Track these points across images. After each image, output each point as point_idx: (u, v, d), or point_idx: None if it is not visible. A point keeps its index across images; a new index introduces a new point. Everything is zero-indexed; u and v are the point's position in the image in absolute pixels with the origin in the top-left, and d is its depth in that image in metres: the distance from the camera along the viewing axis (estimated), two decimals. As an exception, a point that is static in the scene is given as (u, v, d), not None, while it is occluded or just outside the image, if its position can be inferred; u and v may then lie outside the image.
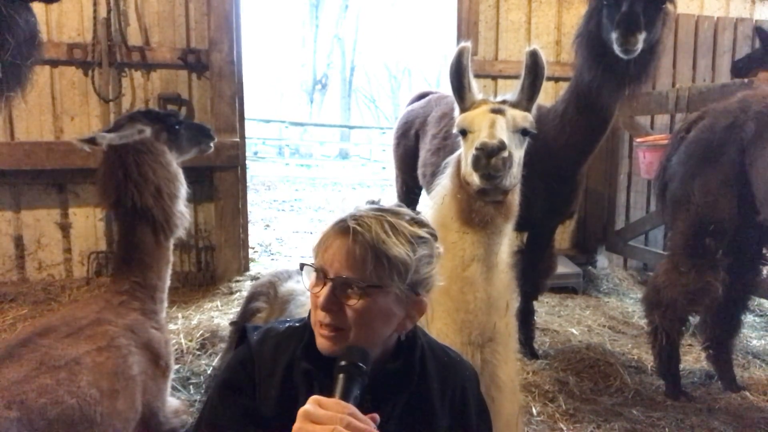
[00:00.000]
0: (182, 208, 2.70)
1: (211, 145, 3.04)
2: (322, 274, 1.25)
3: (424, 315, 1.42)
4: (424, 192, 4.79)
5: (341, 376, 1.15)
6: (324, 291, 1.23)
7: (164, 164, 2.66)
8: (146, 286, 2.54)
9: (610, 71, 3.09)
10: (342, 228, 1.25)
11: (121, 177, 2.51)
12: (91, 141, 2.75)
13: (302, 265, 1.31)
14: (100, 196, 2.63)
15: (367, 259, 1.22)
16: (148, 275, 2.56)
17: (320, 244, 1.28)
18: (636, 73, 3.09)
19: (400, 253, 1.23)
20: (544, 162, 3.35)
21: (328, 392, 1.15)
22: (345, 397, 1.11)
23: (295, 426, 1.05)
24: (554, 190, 3.56)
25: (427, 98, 4.93)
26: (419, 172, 4.56)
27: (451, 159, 2.05)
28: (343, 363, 1.16)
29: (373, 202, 1.34)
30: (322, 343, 1.25)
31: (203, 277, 5.45)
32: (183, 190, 2.72)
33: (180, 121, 2.83)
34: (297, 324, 1.41)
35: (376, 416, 1.11)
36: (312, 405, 1.06)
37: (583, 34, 3.23)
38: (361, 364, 1.16)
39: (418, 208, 4.99)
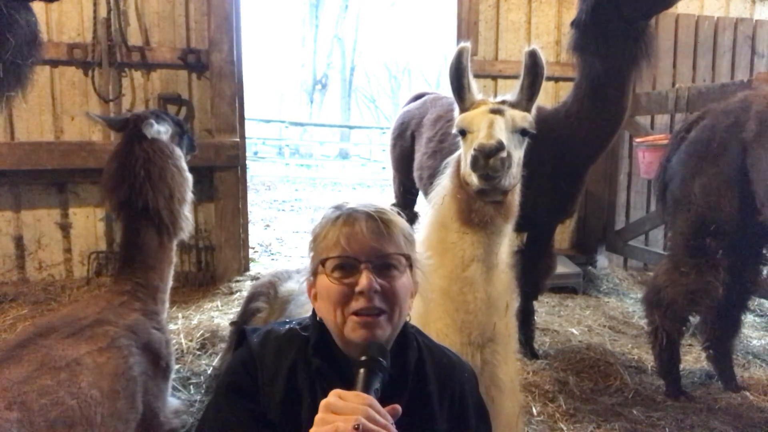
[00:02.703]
0: (187, 213, 2.73)
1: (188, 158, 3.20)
2: (352, 262, 1.25)
3: (424, 316, 1.42)
4: (421, 194, 4.77)
5: (362, 370, 1.16)
6: (365, 276, 1.23)
7: (180, 169, 2.72)
8: (148, 286, 2.55)
9: (632, 41, 3.10)
10: (357, 215, 1.28)
11: (142, 176, 2.52)
12: (110, 122, 2.79)
13: (324, 260, 1.28)
14: (109, 192, 2.61)
15: (399, 234, 1.30)
16: (150, 276, 2.56)
17: (331, 239, 1.28)
18: (650, 39, 3.15)
19: (410, 229, 1.36)
20: (555, 162, 3.36)
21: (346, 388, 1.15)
22: (366, 390, 1.12)
23: (318, 416, 1.06)
24: (562, 190, 3.57)
25: (423, 99, 4.91)
26: (415, 174, 4.55)
27: (451, 159, 2.05)
28: (363, 358, 1.17)
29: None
30: (360, 332, 1.23)
31: (203, 277, 5.45)
32: (190, 194, 2.77)
33: (187, 129, 2.93)
34: (298, 326, 1.39)
35: (398, 408, 1.12)
36: (333, 397, 1.07)
37: (594, 19, 3.15)
38: (380, 359, 1.17)
39: (416, 209, 5.01)
